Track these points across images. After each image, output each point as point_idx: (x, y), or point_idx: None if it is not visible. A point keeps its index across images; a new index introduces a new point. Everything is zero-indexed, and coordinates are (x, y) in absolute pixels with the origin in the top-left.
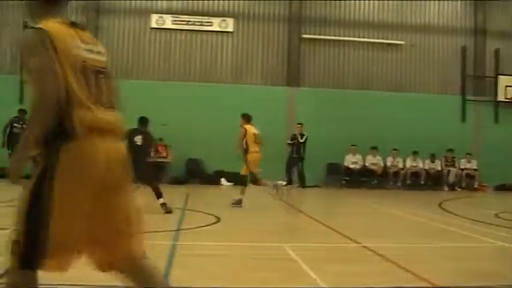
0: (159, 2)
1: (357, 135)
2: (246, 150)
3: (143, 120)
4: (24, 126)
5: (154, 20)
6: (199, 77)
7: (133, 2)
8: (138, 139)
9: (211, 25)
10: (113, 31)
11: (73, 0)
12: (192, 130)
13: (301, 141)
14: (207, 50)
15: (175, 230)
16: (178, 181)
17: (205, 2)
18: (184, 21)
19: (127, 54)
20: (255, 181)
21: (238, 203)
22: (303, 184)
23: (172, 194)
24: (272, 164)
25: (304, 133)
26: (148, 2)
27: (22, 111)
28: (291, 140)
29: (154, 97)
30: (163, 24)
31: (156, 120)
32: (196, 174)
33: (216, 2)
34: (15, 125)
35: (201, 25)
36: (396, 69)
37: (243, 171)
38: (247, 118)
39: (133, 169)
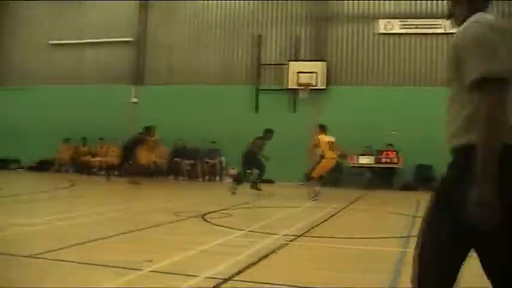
0: (386, 7)
1: None
2: (322, 156)
3: (266, 131)
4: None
5: (383, 25)
6: (429, 80)
7: (360, 8)
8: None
9: (439, 27)
10: (342, 38)
11: (304, 0)
12: (422, 135)
13: None
14: (435, 52)
15: (405, 237)
16: (408, 187)
17: (434, 3)
18: (413, 24)
19: (356, 61)
20: (309, 179)
21: (316, 195)
22: None
23: (403, 200)
24: None
25: None
26: (376, 7)
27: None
28: None
29: (383, 103)
30: (391, 29)
31: (385, 126)
32: (426, 180)
33: (445, 2)
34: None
35: (430, 28)
36: None
37: (314, 174)
38: (323, 129)
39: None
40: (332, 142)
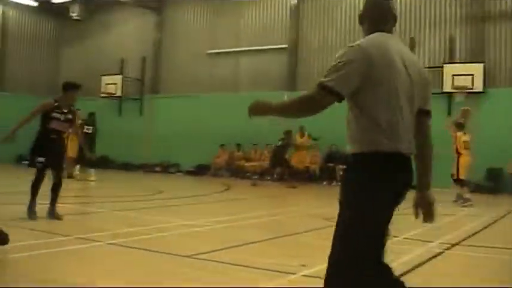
0: None
1: None
2: (459, 154)
3: None
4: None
5: None
6: None
7: None
8: None
9: None
10: (500, 37)
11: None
12: None
13: None
14: None
15: None
16: None
17: None
18: None
19: None
20: (458, 181)
21: (466, 201)
22: None
23: None
24: None
25: None
26: None
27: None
28: None
29: None
30: None
31: None
32: None
33: None
34: None
35: None
36: None
37: (460, 175)
38: (459, 127)
39: None
40: (467, 142)
